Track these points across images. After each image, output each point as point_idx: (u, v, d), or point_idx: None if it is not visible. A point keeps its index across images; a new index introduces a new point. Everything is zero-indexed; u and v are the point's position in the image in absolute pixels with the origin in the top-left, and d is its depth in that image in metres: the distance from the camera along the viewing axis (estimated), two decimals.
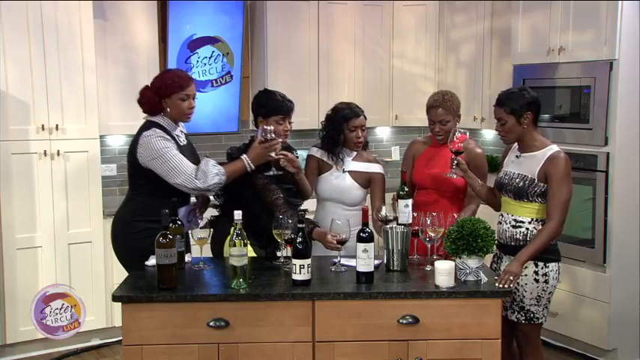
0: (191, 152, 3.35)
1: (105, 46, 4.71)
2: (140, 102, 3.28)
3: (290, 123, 3.38)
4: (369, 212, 3.12)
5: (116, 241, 3.36)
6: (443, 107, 3.51)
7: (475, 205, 3.55)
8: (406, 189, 3.25)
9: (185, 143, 3.35)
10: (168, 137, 3.19)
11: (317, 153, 3.67)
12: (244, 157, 3.15)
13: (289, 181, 3.34)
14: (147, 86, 3.28)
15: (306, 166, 3.70)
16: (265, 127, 3.15)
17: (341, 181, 3.58)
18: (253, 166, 3.15)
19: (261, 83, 5.34)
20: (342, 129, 3.54)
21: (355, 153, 3.63)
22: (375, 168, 3.65)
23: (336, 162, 3.60)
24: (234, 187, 3.28)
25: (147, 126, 3.23)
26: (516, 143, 3.23)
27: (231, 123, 5.45)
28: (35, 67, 4.30)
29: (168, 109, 3.23)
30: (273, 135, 3.14)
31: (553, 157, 3.07)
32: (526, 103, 3.09)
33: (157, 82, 3.25)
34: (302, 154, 5.63)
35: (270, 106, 3.33)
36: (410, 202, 3.19)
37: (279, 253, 3.17)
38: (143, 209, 3.24)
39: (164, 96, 3.22)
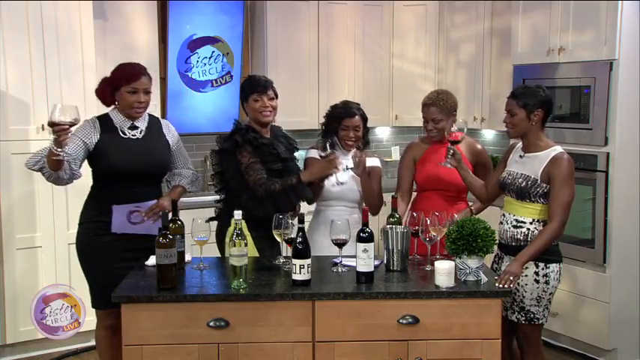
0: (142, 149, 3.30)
1: (105, 46, 4.71)
2: (96, 93, 3.31)
3: (270, 99, 3.37)
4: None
5: None
6: (436, 106, 3.52)
7: (480, 205, 3.56)
8: (397, 215, 3.23)
9: (136, 137, 3.29)
10: (93, 128, 3.22)
11: (315, 154, 3.62)
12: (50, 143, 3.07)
13: (277, 160, 3.33)
14: (104, 78, 3.30)
15: (306, 169, 3.64)
16: (55, 107, 3.01)
17: (344, 178, 3.56)
18: (56, 149, 2.96)
19: None
20: (335, 128, 3.55)
21: (354, 150, 3.62)
22: (374, 162, 3.63)
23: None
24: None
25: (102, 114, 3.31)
26: (520, 143, 3.23)
27: (231, 123, 5.42)
28: (35, 67, 4.30)
29: (117, 102, 3.26)
30: (61, 119, 2.98)
31: (556, 158, 3.07)
32: (539, 101, 3.09)
33: (111, 75, 3.27)
34: (302, 153, 5.64)
35: (247, 86, 3.40)
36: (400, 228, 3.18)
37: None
38: (87, 202, 3.38)
39: (115, 88, 3.23)
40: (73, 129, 2.99)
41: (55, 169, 3.07)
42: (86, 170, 4.49)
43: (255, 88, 3.36)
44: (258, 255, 3.33)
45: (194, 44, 5.23)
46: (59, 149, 2.94)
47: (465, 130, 3.38)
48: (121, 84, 3.21)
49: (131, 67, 3.25)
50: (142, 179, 3.29)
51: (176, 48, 5.15)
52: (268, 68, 5.33)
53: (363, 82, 5.75)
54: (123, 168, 3.20)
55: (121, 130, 3.26)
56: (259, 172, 3.24)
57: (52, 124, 2.89)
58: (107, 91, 3.25)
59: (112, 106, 3.32)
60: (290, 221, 3.01)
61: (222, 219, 3.39)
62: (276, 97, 3.44)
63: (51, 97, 4.36)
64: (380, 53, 5.82)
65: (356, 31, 5.68)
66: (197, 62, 5.26)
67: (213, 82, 5.36)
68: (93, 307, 3.37)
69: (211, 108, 5.37)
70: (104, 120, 3.27)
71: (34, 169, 3.15)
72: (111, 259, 3.20)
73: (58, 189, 4.43)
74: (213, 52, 5.31)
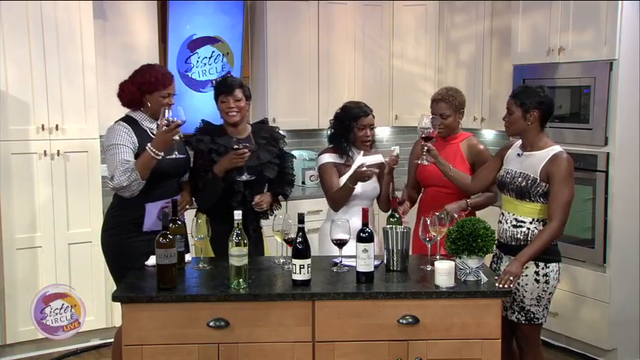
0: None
1: (105, 46, 4.71)
2: (120, 96, 3.32)
3: (237, 100, 3.46)
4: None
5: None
6: (445, 101, 3.58)
7: (492, 194, 3.56)
8: (397, 215, 3.25)
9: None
10: (130, 132, 3.20)
11: (329, 158, 3.62)
12: (149, 145, 3.09)
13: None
14: (127, 80, 3.31)
15: (329, 175, 3.59)
16: (164, 109, 3.08)
17: None
18: (160, 153, 3.06)
19: (261, 83, 5.34)
20: (351, 127, 3.56)
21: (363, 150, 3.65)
22: (380, 158, 3.70)
23: (347, 160, 3.59)
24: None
25: (122, 119, 3.31)
26: (519, 141, 3.24)
27: None
28: (35, 67, 4.30)
29: (148, 104, 3.26)
30: (172, 117, 3.06)
31: (556, 158, 3.07)
32: (536, 102, 3.10)
33: (139, 78, 3.27)
34: (302, 153, 5.66)
35: (216, 88, 3.54)
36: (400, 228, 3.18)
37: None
38: (117, 204, 3.30)
39: (146, 92, 3.25)
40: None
41: (146, 177, 3.11)
42: (79, 170, 4.52)
43: (222, 89, 3.48)
44: (213, 255, 3.37)
45: (194, 44, 5.22)
46: (176, 152, 3.14)
47: (436, 127, 3.37)
48: (157, 88, 3.25)
49: (164, 72, 3.32)
50: (174, 177, 3.35)
51: (176, 48, 5.14)
52: (268, 68, 5.33)
53: (363, 82, 5.75)
54: (165, 168, 3.20)
55: (151, 132, 3.27)
56: (196, 174, 3.42)
57: (177, 125, 3.04)
58: (138, 95, 3.26)
59: (130, 109, 3.32)
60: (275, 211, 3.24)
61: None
62: (248, 99, 3.52)
63: (51, 97, 4.37)
64: (380, 53, 5.82)
65: (356, 31, 5.67)
66: (197, 62, 5.26)
67: (214, 82, 5.35)
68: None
69: (211, 108, 5.30)
70: (131, 123, 3.26)
71: (123, 185, 3.09)
72: (143, 259, 3.16)
73: (58, 189, 4.44)
74: (213, 52, 5.31)
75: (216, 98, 3.52)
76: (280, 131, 3.72)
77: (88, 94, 4.48)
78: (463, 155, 3.60)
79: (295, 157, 3.76)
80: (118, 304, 2.77)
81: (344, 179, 3.54)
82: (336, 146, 3.62)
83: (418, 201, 3.77)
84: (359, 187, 3.51)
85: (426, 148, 3.33)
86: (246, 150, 3.25)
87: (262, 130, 3.59)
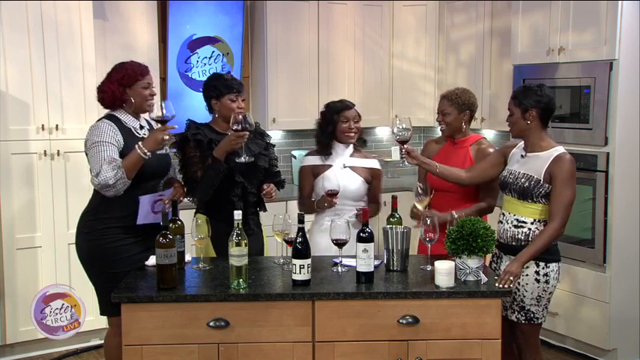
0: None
1: (105, 46, 4.71)
2: (102, 98, 3.23)
3: (242, 100, 3.45)
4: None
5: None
6: (447, 99, 3.55)
7: (485, 205, 3.49)
8: (397, 215, 3.25)
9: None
10: (115, 130, 3.13)
11: (310, 161, 3.65)
12: (138, 144, 3.04)
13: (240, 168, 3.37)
14: (104, 81, 3.24)
15: (301, 179, 3.69)
16: (160, 105, 3.05)
17: (344, 175, 3.58)
18: (148, 153, 3.03)
19: (261, 83, 5.34)
20: (334, 121, 3.58)
21: (352, 149, 3.64)
22: (374, 164, 3.67)
23: (331, 158, 3.59)
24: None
25: (105, 117, 3.23)
26: (522, 142, 3.23)
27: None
28: (35, 67, 4.30)
29: (131, 99, 3.20)
30: (161, 114, 3.04)
31: (559, 158, 3.07)
32: (534, 101, 3.10)
33: (116, 75, 3.21)
34: (302, 153, 5.65)
35: (222, 85, 3.44)
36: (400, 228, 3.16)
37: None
38: (93, 208, 3.23)
39: (127, 86, 3.20)
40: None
41: (132, 177, 3.05)
42: (79, 170, 4.51)
43: (232, 87, 3.43)
44: (214, 255, 3.37)
45: (194, 44, 5.23)
46: (165, 145, 3.12)
47: (411, 129, 3.32)
48: (136, 79, 3.20)
49: (138, 64, 3.27)
50: (159, 176, 3.31)
51: (176, 48, 5.15)
52: (268, 68, 5.34)
53: (363, 82, 5.75)
54: (150, 168, 3.16)
55: (135, 131, 3.23)
56: (194, 166, 3.35)
57: (162, 121, 3.04)
58: (120, 91, 3.19)
59: (112, 109, 3.27)
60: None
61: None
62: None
63: (51, 97, 4.37)
64: (380, 53, 5.82)
65: (356, 31, 5.68)
66: (197, 62, 5.26)
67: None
68: (104, 314, 3.28)
69: None
70: (115, 121, 3.19)
71: (109, 184, 3.00)
72: (125, 263, 3.14)
73: (58, 189, 4.44)
74: (213, 52, 5.31)
75: (220, 95, 3.43)
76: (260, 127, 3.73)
77: (88, 94, 4.47)
78: (472, 159, 3.56)
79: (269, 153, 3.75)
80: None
81: (320, 183, 3.57)
82: (320, 145, 3.64)
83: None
84: (330, 185, 3.53)
85: (404, 150, 3.33)
86: (246, 132, 3.23)
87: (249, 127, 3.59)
